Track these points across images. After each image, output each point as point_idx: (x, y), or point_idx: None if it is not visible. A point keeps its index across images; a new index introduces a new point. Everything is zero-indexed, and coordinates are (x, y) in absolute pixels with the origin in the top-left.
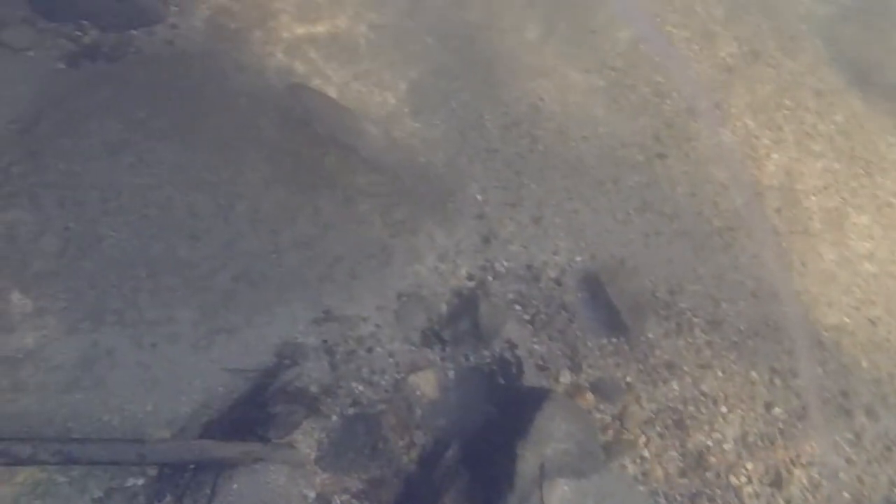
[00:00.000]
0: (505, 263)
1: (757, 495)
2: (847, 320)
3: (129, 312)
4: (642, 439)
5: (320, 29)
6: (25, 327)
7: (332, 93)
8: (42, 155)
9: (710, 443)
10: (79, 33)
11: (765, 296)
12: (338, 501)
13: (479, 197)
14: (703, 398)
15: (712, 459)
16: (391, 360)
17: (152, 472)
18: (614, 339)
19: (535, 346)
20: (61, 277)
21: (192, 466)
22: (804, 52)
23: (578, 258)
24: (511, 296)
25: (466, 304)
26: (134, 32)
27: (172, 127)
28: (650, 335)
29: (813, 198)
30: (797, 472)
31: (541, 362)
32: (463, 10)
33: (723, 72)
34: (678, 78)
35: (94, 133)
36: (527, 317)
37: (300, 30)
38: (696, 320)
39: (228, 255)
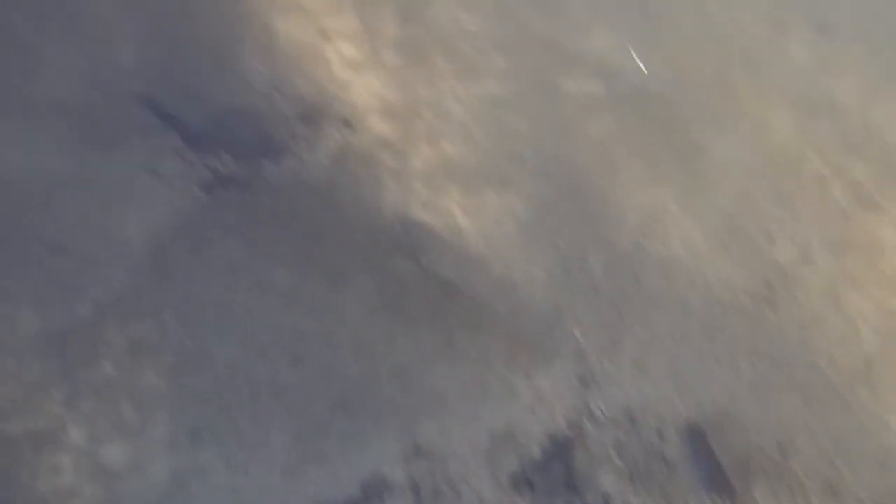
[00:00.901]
0: (603, 408)
1: None
2: None
3: (227, 433)
4: None
5: (432, 164)
6: (129, 440)
7: (443, 226)
8: (170, 275)
9: None
10: (217, 163)
11: (893, 465)
12: None
13: (578, 336)
14: None
15: None
16: (478, 503)
17: None
18: (718, 499)
19: (632, 500)
20: (169, 393)
21: None
22: None
23: (681, 407)
24: (608, 444)
25: (560, 449)
26: (264, 162)
27: (290, 253)
28: (757, 497)
29: None
30: None
31: None
32: (572, 151)
33: (839, 219)
34: (791, 224)
35: (219, 256)
36: (624, 468)
37: (416, 163)
38: (810, 485)
39: (328, 380)
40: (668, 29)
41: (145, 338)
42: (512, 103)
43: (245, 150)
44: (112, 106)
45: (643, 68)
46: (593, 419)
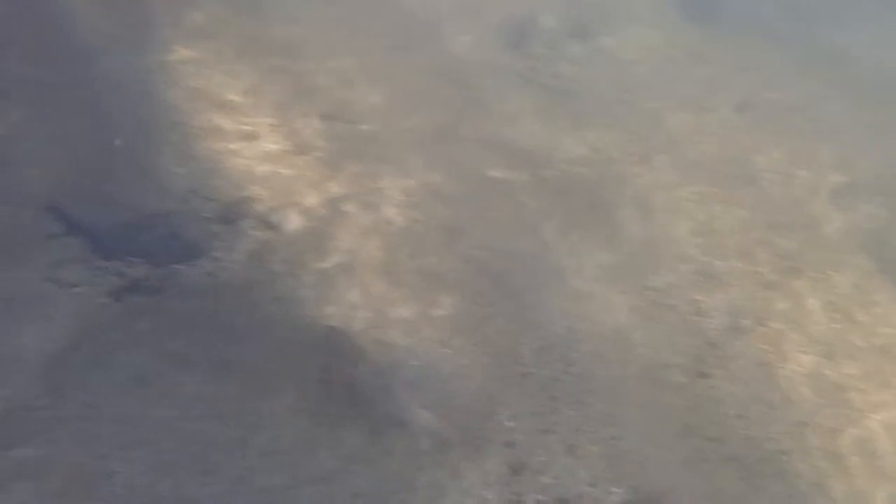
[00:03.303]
0: (536, 497)
1: None
2: None
3: None
4: None
5: (355, 261)
6: None
7: (365, 322)
8: (68, 388)
9: None
10: (127, 269)
11: None
12: None
13: (509, 424)
14: None
15: None
16: None
17: None
18: None
19: None
20: None
21: None
22: (847, 266)
23: (616, 490)
24: None
25: None
26: (179, 266)
27: (203, 358)
28: None
29: (874, 416)
30: None
31: None
32: (501, 238)
33: (765, 289)
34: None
35: (124, 365)
36: None
37: (336, 261)
38: None
39: (240, 492)
40: (593, 114)
41: (31, 459)
42: (438, 195)
43: (159, 254)
44: (12, 217)
45: None
46: None
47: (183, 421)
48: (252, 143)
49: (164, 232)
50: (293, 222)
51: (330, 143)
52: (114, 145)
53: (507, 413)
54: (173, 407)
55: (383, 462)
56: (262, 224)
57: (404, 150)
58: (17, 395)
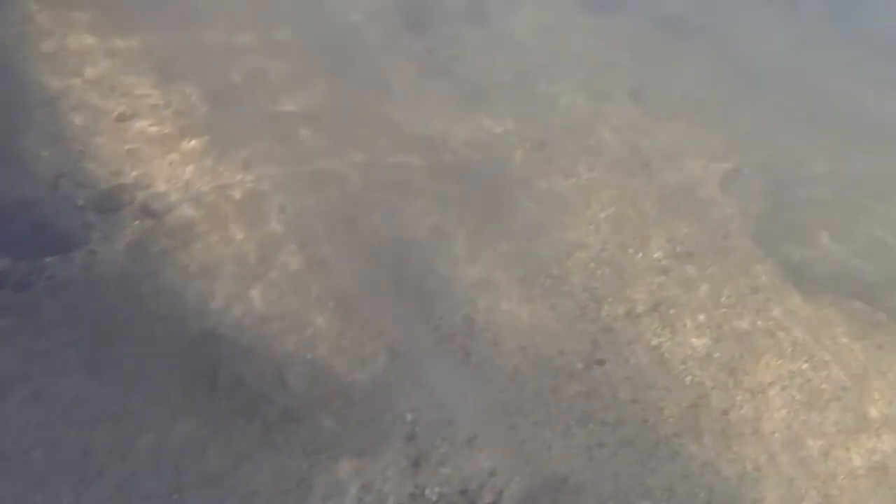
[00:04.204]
0: (437, 489)
1: None
2: None
3: None
4: None
5: (244, 252)
6: None
7: (254, 316)
8: None
9: None
10: None
11: None
12: None
13: (408, 417)
14: None
15: None
16: None
17: None
18: None
19: None
20: None
21: None
22: (736, 251)
23: (517, 478)
24: None
25: None
26: (49, 260)
27: (77, 358)
28: None
29: (759, 396)
30: None
31: None
32: (397, 226)
33: (658, 274)
34: (614, 282)
35: None
36: None
37: (224, 252)
38: None
39: (122, 499)
40: (491, 99)
41: None
42: (332, 180)
43: (26, 248)
44: None
45: None
46: (426, 501)
47: (56, 427)
48: (130, 123)
49: (30, 222)
50: (177, 210)
51: (216, 124)
52: None
53: (405, 405)
54: (44, 412)
55: (277, 460)
56: (142, 212)
57: (296, 133)
58: None
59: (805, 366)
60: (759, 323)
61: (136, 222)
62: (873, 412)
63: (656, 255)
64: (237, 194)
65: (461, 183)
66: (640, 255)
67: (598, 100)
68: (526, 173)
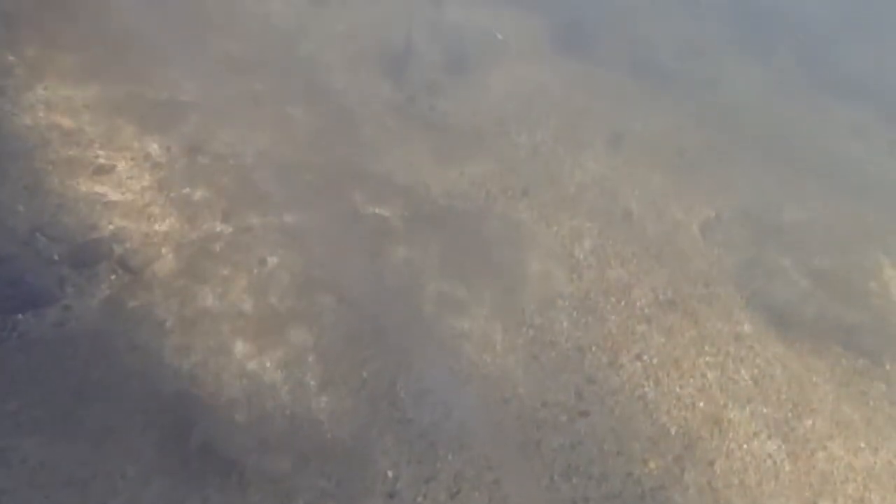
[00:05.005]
0: None
1: None
2: None
3: None
4: None
5: (222, 304)
6: None
7: (231, 372)
8: None
9: None
10: None
11: None
12: None
13: (390, 473)
14: None
15: None
16: None
17: None
18: None
19: None
20: None
21: None
22: (718, 298)
23: None
24: None
25: None
26: (21, 316)
27: (48, 417)
28: None
29: (745, 446)
30: None
31: None
32: (375, 278)
33: (639, 323)
34: (597, 332)
35: None
36: None
37: (202, 307)
38: None
39: None
40: (471, 148)
41: None
42: (312, 234)
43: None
44: None
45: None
46: None
47: (20, 491)
48: (107, 177)
49: (3, 277)
50: (154, 265)
51: (195, 178)
52: None
53: (387, 462)
54: (9, 477)
55: None
56: (118, 267)
57: (276, 187)
58: None
59: (790, 415)
60: (745, 372)
61: (112, 277)
62: (858, 461)
63: (639, 304)
64: (217, 249)
65: (442, 232)
66: (623, 303)
67: (577, 147)
68: (507, 223)
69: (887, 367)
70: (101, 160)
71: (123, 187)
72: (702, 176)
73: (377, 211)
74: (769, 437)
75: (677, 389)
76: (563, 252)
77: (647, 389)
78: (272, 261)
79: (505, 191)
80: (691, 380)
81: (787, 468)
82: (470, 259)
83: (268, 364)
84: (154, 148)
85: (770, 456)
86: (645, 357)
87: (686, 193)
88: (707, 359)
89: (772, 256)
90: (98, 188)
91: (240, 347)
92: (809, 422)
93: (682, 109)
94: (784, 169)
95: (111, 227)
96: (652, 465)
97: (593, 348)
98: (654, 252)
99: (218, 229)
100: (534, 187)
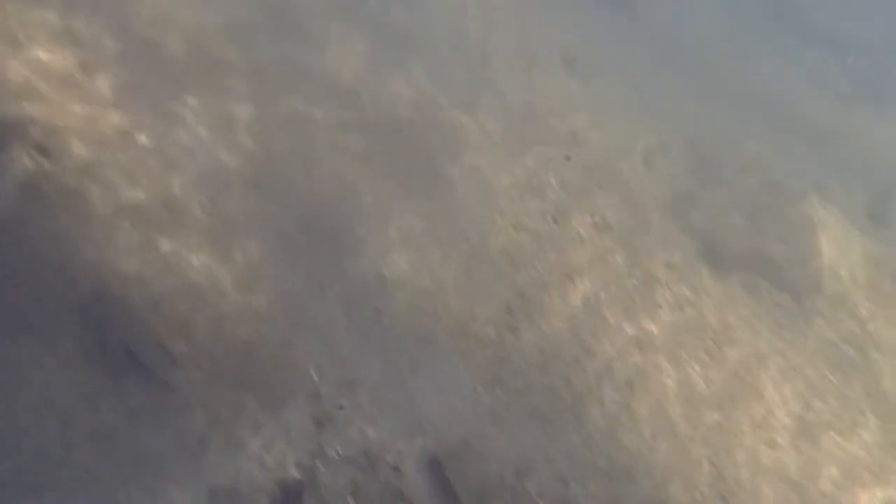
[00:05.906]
0: (339, 449)
1: None
2: (699, 497)
3: None
4: None
5: (149, 200)
6: None
7: (154, 269)
8: None
9: None
10: None
11: (617, 475)
12: None
13: (314, 375)
14: None
15: None
16: None
17: None
18: None
19: None
20: None
21: None
22: (654, 225)
23: (420, 441)
24: (343, 486)
25: (291, 496)
26: None
27: None
28: None
29: (666, 375)
30: None
31: None
32: (316, 180)
33: (575, 244)
34: (532, 250)
35: None
36: None
37: (125, 198)
38: None
39: (5, 454)
40: (424, 58)
41: None
42: (249, 131)
43: None
44: None
45: None
46: (328, 461)
47: None
48: (25, 51)
49: None
50: (75, 151)
51: (125, 60)
52: None
53: (312, 364)
54: None
55: (174, 418)
56: (36, 151)
57: (213, 78)
58: None
59: (710, 342)
60: (669, 297)
61: (29, 161)
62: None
63: (576, 226)
64: (144, 138)
65: (386, 140)
66: (560, 225)
67: (531, 65)
68: (453, 134)
69: (806, 303)
70: (19, 33)
71: (44, 64)
72: (652, 103)
73: (320, 112)
74: (686, 360)
75: (605, 311)
76: (504, 169)
77: (575, 310)
78: (202, 157)
79: (454, 102)
80: (619, 302)
81: (700, 390)
82: (412, 168)
83: (191, 263)
84: (82, 23)
85: (685, 378)
86: (576, 278)
87: (631, 120)
88: (634, 282)
89: (710, 189)
90: (17, 63)
91: (161, 244)
92: (727, 350)
93: (637, 41)
94: (735, 104)
95: (28, 106)
96: (573, 382)
97: (527, 267)
98: (595, 176)
99: (144, 118)
100: (483, 101)
